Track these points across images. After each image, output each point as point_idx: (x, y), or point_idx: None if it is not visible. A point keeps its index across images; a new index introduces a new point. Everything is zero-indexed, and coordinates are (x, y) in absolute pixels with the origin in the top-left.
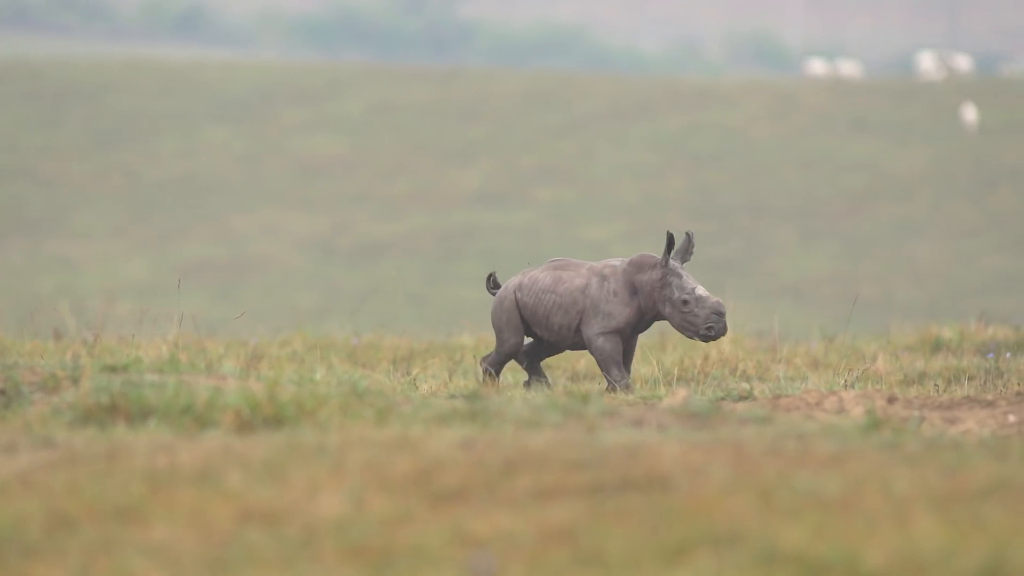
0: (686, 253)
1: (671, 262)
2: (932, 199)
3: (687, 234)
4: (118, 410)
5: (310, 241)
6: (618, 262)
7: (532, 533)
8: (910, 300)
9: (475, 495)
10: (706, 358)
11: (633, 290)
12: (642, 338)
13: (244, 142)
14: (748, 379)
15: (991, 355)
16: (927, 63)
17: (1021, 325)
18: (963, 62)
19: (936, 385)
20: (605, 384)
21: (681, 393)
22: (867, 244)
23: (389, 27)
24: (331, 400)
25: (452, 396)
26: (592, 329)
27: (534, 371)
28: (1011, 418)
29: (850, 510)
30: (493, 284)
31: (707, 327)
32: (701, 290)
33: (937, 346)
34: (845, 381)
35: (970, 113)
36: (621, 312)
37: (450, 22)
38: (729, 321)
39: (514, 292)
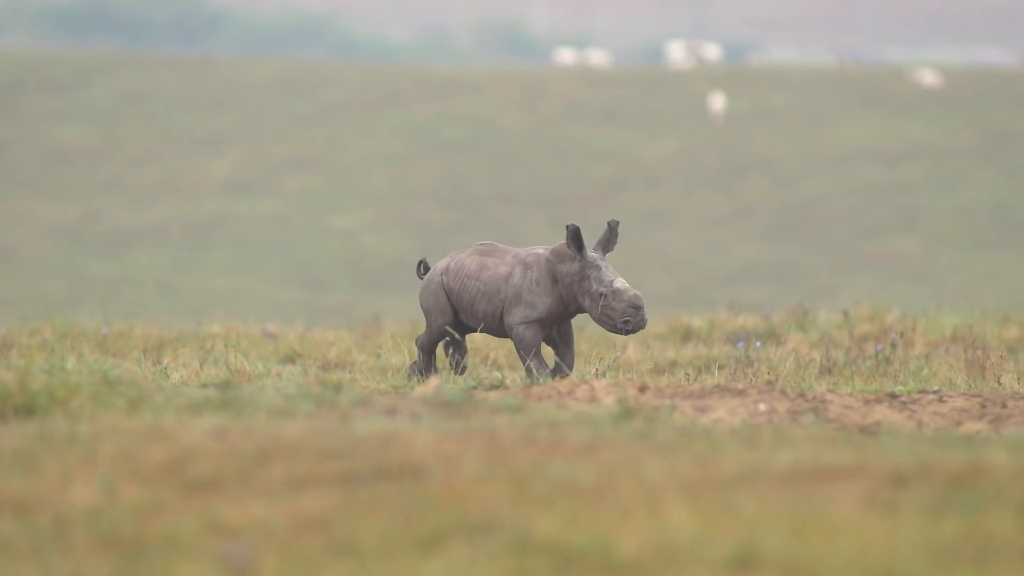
0: (608, 243)
1: (591, 254)
2: (680, 188)
3: (609, 224)
4: None
5: (59, 230)
6: (543, 250)
7: (285, 522)
8: (659, 289)
9: (228, 485)
10: None
11: (555, 280)
12: (393, 327)
13: None
14: (500, 368)
15: (741, 344)
16: (676, 52)
17: (770, 314)
18: (712, 51)
19: (687, 374)
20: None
21: (433, 382)
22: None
23: (138, 16)
24: (82, 389)
25: (204, 385)
26: (514, 318)
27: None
28: (761, 407)
29: (603, 498)
30: (424, 269)
31: (624, 320)
32: (620, 283)
33: (687, 335)
34: (596, 370)
35: (718, 102)
36: (543, 302)
37: (200, 11)
38: None
39: (440, 275)
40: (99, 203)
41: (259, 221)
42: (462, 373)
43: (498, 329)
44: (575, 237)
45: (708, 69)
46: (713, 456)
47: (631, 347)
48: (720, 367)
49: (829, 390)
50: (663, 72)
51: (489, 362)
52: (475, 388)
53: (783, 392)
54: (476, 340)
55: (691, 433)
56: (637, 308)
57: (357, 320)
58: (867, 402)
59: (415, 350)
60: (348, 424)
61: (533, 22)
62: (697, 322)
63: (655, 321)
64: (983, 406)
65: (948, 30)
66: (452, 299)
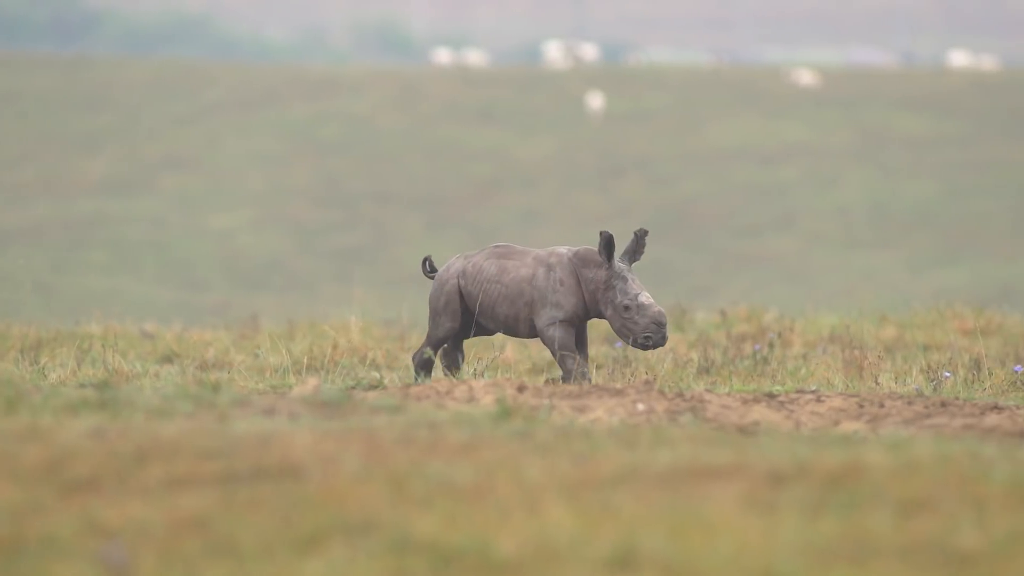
0: (635, 253)
1: (618, 264)
2: (558, 188)
3: (636, 233)
4: None
5: None
6: (564, 250)
7: (164, 522)
8: None
9: (106, 485)
10: (335, 347)
11: (578, 281)
12: (271, 327)
13: None
14: (378, 368)
15: (619, 344)
16: (553, 52)
17: None
18: (589, 51)
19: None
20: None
21: (312, 382)
22: (493, 233)
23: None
24: None
25: (82, 385)
26: (542, 320)
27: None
28: (640, 406)
29: (482, 498)
30: (430, 268)
31: (645, 336)
32: (645, 297)
33: None
34: (475, 370)
35: (596, 102)
36: (568, 301)
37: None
38: (358, 310)
39: (457, 278)
40: None
41: (136, 221)
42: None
43: (517, 331)
44: (608, 245)
45: (585, 69)
46: (592, 456)
47: (509, 347)
48: (598, 367)
49: (707, 390)
50: (540, 72)
51: (368, 362)
52: (353, 388)
53: (661, 392)
54: (354, 340)
55: (570, 433)
56: (660, 325)
57: (234, 320)
58: (745, 402)
59: (293, 349)
60: (226, 424)
61: (411, 22)
62: None
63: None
64: (860, 406)
65: (825, 30)
66: (470, 303)
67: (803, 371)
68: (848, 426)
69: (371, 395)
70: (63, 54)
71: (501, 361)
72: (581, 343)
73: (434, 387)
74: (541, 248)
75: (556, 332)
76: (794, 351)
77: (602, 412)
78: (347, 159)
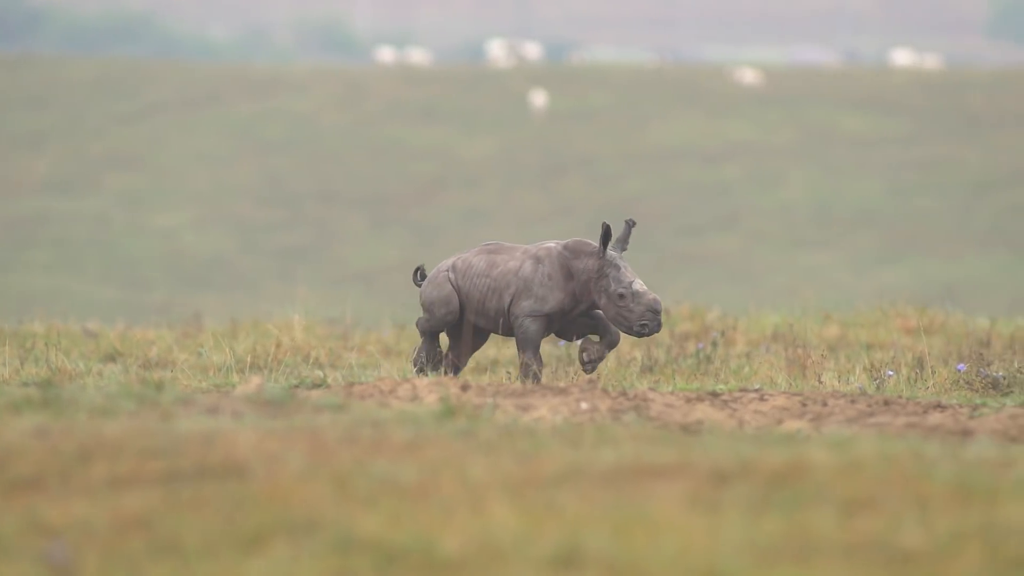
0: (625, 242)
1: (610, 252)
2: (501, 186)
3: (626, 222)
4: None
5: None
6: (553, 244)
7: (107, 521)
8: None
9: (50, 484)
10: (279, 345)
11: (568, 275)
12: (214, 326)
13: None
14: (321, 367)
15: (562, 343)
16: (497, 51)
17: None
18: (533, 50)
19: (508, 372)
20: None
21: (255, 381)
22: (436, 231)
23: None
24: None
25: (25, 384)
26: (521, 309)
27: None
28: (583, 405)
29: (426, 497)
30: (421, 276)
31: (641, 323)
32: (639, 285)
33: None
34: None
35: (539, 100)
36: (554, 296)
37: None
38: (300, 309)
39: (447, 272)
40: None
41: (79, 219)
42: (456, 374)
43: (507, 326)
44: (606, 236)
45: (529, 68)
46: (536, 454)
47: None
48: (544, 365)
49: (650, 388)
50: (484, 71)
51: (311, 361)
52: (297, 387)
53: (605, 390)
54: (297, 339)
55: (514, 432)
56: (655, 312)
57: (178, 318)
58: (688, 400)
59: (237, 348)
60: (170, 423)
61: (354, 21)
62: None
63: None
64: (804, 404)
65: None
66: (461, 298)
67: (746, 370)
68: (791, 425)
69: (315, 394)
70: (6, 53)
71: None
72: (601, 325)
73: (377, 386)
74: (531, 245)
75: (531, 325)
76: (737, 350)
77: (546, 411)
78: (290, 158)
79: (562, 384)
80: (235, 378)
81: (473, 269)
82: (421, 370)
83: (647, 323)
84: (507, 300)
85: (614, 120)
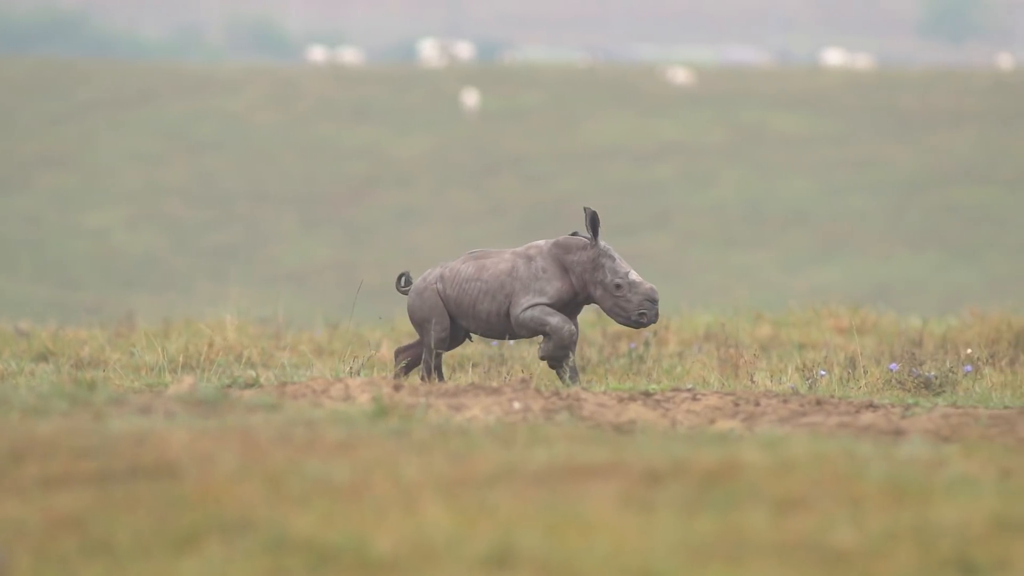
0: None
1: (602, 243)
2: (433, 186)
3: (585, 210)
4: None
5: None
6: (542, 243)
7: (40, 522)
8: None
9: None
10: (211, 345)
11: (563, 268)
12: (146, 324)
13: None
14: (254, 366)
15: (495, 343)
16: (429, 50)
17: None
18: (464, 49)
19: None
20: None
21: (187, 380)
22: (369, 231)
23: None
24: None
25: None
26: (518, 307)
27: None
28: (516, 405)
29: (359, 496)
30: (405, 283)
31: (639, 313)
32: (634, 275)
33: None
34: (351, 368)
35: (471, 100)
36: (552, 286)
37: None
38: (232, 309)
39: (435, 284)
40: None
41: (11, 219)
42: (440, 379)
43: (501, 329)
44: (593, 222)
45: (460, 67)
46: (469, 454)
47: (385, 346)
48: (474, 365)
49: (583, 388)
50: (415, 70)
51: (243, 360)
52: (229, 386)
53: (537, 390)
54: (229, 339)
55: (446, 431)
56: (653, 302)
57: (110, 318)
58: (621, 400)
59: (169, 348)
60: (102, 423)
61: (286, 20)
62: None
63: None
64: (736, 404)
65: (700, 29)
66: (450, 307)
67: (679, 369)
68: (724, 424)
69: (247, 393)
70: None
71: (377, 359)
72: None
73: (310, 385)
74: (518, 247)
75: (532, 309)
76: (670, 349)
77: (478, 410)
78: (222, 157)
79: (495, 384)
80: (167, 378)
81: (461, 275)
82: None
83: (645, 312)
84: (502, 302)
85: (546, 119)
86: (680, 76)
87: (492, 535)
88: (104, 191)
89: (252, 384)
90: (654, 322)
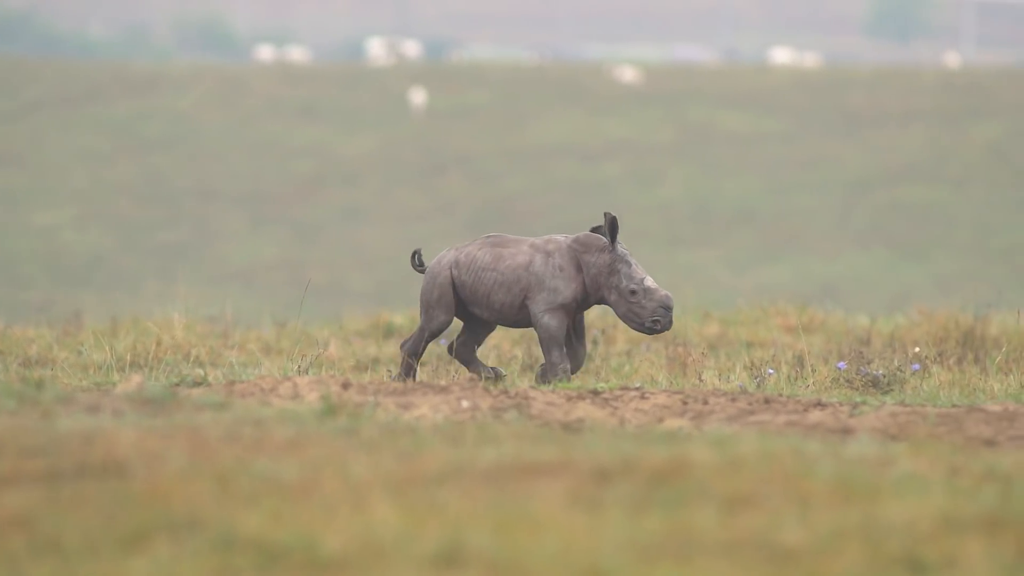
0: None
1: (620, 248)
2: (380, 184)
3: (606, 215)
4: None
5: None
6: (562, 238)
7: None
8: (360, 286)
9: None
10: (159, 344)
11: (579, 267)
12: (94, 323)
13: None
14: (202, 365)
15: (444, 341)
16: (376, 49)
17: None
18: (412, 48)
19: (389, 371)
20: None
21: (135, 379)
22: (316, 230)
23: None
24: None
25: None
26: (538, 305)
27: (474, 366)
28: (464, 403)
29: (308, 495)
30: (418, 261)
31: (653, 320)
32: (650, 281)
33: (388, 332)
34: (299, 367)
35: (418, 98)
36: (568, 287)
37: None
38: (180, 307)
39: (450, 269)
40: None
41: None
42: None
43: (513, 319)
44: (612, 227)
45: (408, 66)
46: (417, 453)
47: (333, 344)
48: (422, 364)
49: (531, 387)
50: (363, 69)
51: (192, 359)
52: (178, 385)
53: (486, 389)
54: (177, 337)
55: (395, 430)
56: (667, 309)
57: (57, 317)
58: (569, 399)
59: (117, 346)
60: (50, 422)
61: (234, 19)
62: (398, 319)
63: (356, 318)
64: (684, 402)
65: (648, 27)
66: (464, 292)
67: (627, 368)
68: (672, 423)
69: (195, 392)
70: None
71: (325, 358)
72: (578, 333)
73: (258, 384)
74: (537, 238)
75: (551, 321)
76: (618, 348)
77: (427, 409)
78: (170, 156)
79: (443, 383)
80: (115, 376)
81: (478, 263)
82: (411, 360)
83: (659, 319)
84: (517, 295)
85: (493, 118)
86: (628, 75)
87: (441, 534)
88: (52, 190)
89: (200, 383)
90: (667, 329)
